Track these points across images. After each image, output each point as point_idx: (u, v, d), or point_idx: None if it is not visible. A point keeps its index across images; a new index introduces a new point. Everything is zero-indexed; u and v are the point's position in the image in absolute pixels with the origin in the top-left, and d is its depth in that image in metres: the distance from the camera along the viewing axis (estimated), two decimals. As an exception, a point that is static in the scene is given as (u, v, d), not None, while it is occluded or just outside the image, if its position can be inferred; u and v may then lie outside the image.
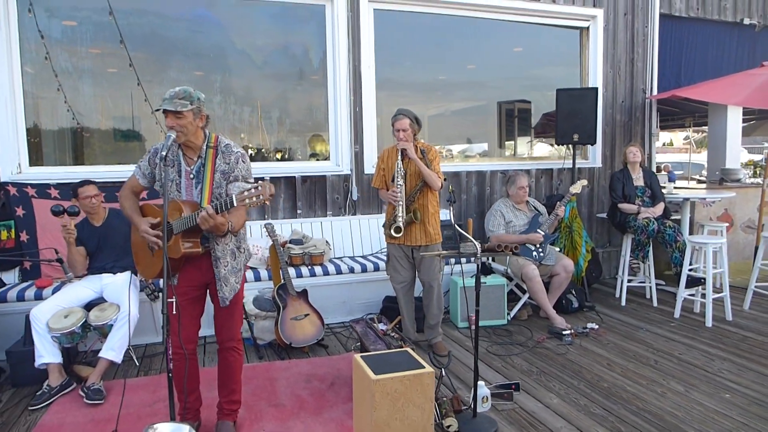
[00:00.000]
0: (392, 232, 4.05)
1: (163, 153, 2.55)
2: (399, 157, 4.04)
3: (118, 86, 5.26)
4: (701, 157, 13.35)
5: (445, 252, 3.23)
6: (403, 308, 4.32)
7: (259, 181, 2.50)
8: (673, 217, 5.73)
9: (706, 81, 6.62)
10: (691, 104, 7.55)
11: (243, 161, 2.78)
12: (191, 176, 2.74)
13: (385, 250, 4.45)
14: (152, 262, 2.85)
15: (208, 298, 2.95)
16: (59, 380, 3.58)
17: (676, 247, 5.21)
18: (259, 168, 5.28)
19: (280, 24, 5.69)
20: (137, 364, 4.13)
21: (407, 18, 5.98)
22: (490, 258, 5.41)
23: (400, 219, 4.02)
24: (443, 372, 3.47)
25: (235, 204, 2.50)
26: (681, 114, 8.55)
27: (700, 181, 10.33)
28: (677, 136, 21.02)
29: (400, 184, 4.02)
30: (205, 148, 2.74)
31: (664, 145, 21.44)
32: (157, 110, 2.65)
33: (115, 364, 3.67)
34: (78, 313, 3.67)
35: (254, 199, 2.47)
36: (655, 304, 5.45)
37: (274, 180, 5.28)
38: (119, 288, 3.79)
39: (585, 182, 5.26)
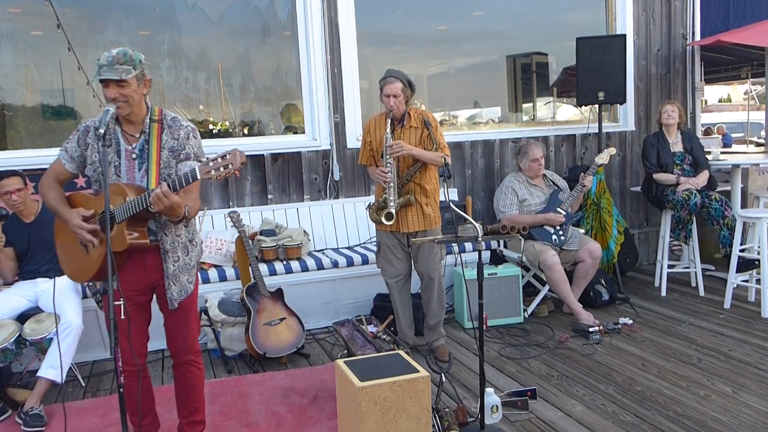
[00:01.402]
0: (383, 219, 4.13)
1: (101, 131, 2.60)
2: (388, 128, 4.12)
3: (45, 52, 5.33)
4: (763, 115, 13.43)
5: (440, 237, 3.36)
6: (397, 307, 4.45)
7: (227, 151, 2.58)
8: (720, 188, 5.86)
9: (761, 21, 6.69)
10: (747, 50, 7.61)
11: (194, 136, 2.88)
12: (133, 156, 2.82)
13: (375, 238, 4.56)
14: (85, 262, 2.89)
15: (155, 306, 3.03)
16: (-9, 406, 3.71)
17: (725, 223, 5.35)
18: (214, 146, 5.25)
19: (238, -31, 5.77)
20: (83, 384, 4.26)
21: (395, -45, 6.07)
22: (502, 244, 5.55)
23: (392, 204, 4.11)
24: (444, 377, 3.62)
25: (198, 176, 2.58)
26: (735, 63, 8.61)
27: (758, 144, 10.46)
28: (737, 90, 20.96)
29: (391, 162, 4.09)
30: (148, 121, 2.83)
31: (720, 101, 21.50)
32: (98, 80, 2.70)
33: (56, 384, 3.78)
34: (10, 327, 3.79)
35: (222, 170, 2.53)
36: (701, 293, 5.61)
37: (238, 159, 5.37)
38: (58, 294, 3.88)
39: (613, 150, 5.38)
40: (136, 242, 2.77)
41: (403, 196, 4.17)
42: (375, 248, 4.95)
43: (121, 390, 2.60)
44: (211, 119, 6.06)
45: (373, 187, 5.79)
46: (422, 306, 4.50)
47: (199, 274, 4.61)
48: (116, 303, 2.55)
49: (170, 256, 2.89)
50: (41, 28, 5.24)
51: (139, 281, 2.90)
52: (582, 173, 5.24)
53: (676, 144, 5.62)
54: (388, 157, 4.08)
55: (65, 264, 3.03)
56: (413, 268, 4.43)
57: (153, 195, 2.61)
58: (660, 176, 5.53)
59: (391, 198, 4.10)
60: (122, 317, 2.59)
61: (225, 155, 2.55)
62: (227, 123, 6.02)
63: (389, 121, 4.12)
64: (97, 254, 2.79)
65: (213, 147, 4.63)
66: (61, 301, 3.87)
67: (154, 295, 3.01)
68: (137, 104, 2.78)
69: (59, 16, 5.12)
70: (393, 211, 4.10)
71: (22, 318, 3.92)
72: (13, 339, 3.73)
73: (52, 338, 3.76)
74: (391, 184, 4.10)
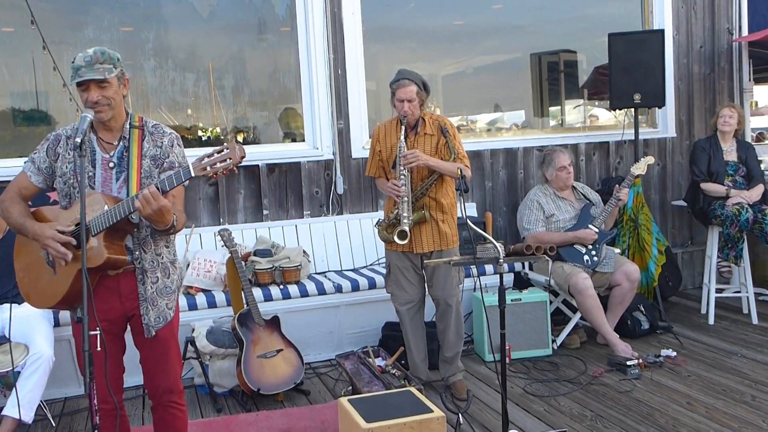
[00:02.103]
0: (396, 238, 4.10)
1: (78, 140, 2.61)
2: (402, 135, 4.10)
3: (17, 51, 5.37)
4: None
5: (456, 258, 3.33)
6: (409, 337, 4.41)
7: (225, 143, 2.61)
8: (775, 203, 5.82)
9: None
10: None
11: (178, 144, 2.92)
12: (110, 165, 2.84)
13: (384, 259, 4.54)
14: (51, 284, 2.85)
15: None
16: (-50, 449, 3.69)
17: (780, 242, 5.31)
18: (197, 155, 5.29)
19: (231, -41, 5.81)
20: (53, 423, 4.23)
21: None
22: (528, 265, 5.50)
23: (406, 221, 4.06)
24: (461, 418, 3.58)
25: (192, 173, 2.58)
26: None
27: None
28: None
29: (405, 174, 4.06)
30: (128, 127, 2.85)
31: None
32: (77, 83, 2.71)
33: (23, 424, 3.76)
34: (-28, 359, 3.79)
35: (219, 165, 2.55)
36: (754, 320, 5.55)
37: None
38: (28, 322, 3.90)
39: (651, 159, 5.35)
40: (115, 257, 2.75)
41: (417, 212, 4.14)
42: (384, 271, 4.93)
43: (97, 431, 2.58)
44: (201, 125, 6.08)
45: (382, 201, 5.79)
46: (437, 336, 4.45)
47: (182, 299, 4.67)
48: (92, 333, 2.53)
49: (148, 276, 2.88)
50: (13, 24, 5.29)
51: (112, 309, 2.87)
52: (617, 185, 5.21)
53: (730, 152, 5.59)
54: (401, 168, 4.05)
55: (27, 288, 2.98)
56: (427, 293, 4.39)
57: (140, 197, 2.60)
58: (708, 186, 5.49)
59: (405, 214, 4.06)
60: (98, 349, 2.58)
61: (222, 149, 2.57)
62: (218, 129, 6.04)
63: (403, 128, 4.11)
64: (67, 274, 2.77)
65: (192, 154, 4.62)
66: (31, 330, 3.87)
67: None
68: (118, 107, 2.82)
69: (33, 12, 5.14)
70: (407, 228, 4.05)
71: (-14, 349, 3.91)
72: (-25, 373, 3.72)
73: (19, 371, 3.75)
74: (405, 199, 4.07)
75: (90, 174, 2.81)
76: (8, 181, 4.39)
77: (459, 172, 3.88)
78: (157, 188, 2.62)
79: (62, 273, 2.80)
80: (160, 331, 2.93)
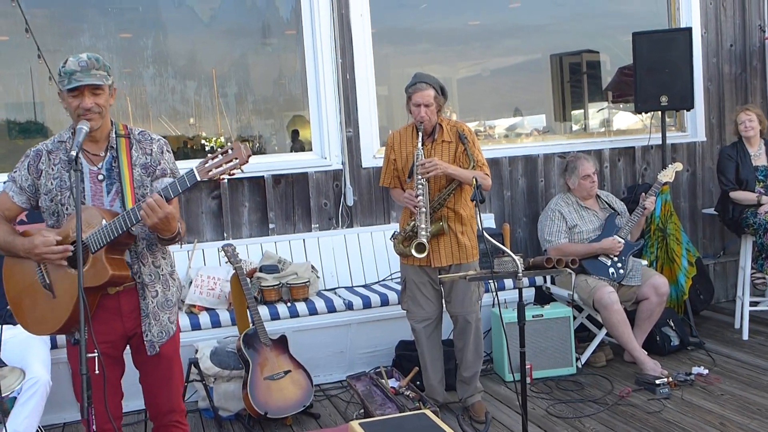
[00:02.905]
0: (413, 251, 4.07)
1: (74, 153, 2.63)
2: (419, 142, 4.06)
3: (11, 61, 5.45)
4: None
5: (471, 273, 3.35)
6: (425, 357, 4.41)
7: (229, 143, 2.66)
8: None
9: None
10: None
11: (168, 150, 2.97)
12: (99, 178, 2.86)
13: (398, 274, 4.54)
14: (52, 309, 2.85)
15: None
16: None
17: (817, 252, 5.29)
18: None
19: (233, -39, 5.88)
20: (51, 450, 4.30)
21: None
22: (550, 279, 5.50)
23: (424, 233, 4.04)
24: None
25: (198, 178, 2.62)
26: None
27: None
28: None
29: (423, 183, 4.03)
30: (114, 137, 2.88)
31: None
32: (72, 88, 2.73)
33: (20, 451, 3.81)
34: (-34, 383, 3.83)
35: (225, 166, 2.59)
36: (792, 335, 5.54)
37: (233, 182, 5.43)
38: (23, 345, 3.93)
39: (680, 166, 5.35)
40: (119, 273, 2.79)
41: (435, 224, 4.13)
42: (399, 286, 4.93)
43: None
44: (204, 134, 6.14)
45: (395, 213, 5.82)
46: (455, 355, 4.46)
47: (185, 318, 4.71)
48: (89, 355, 2.55)
49: (149, 290, 2.91)
50: (7, 32, 5.36)
51: (112, 331, 2.91)
52: (643, 193, 5.21)
53: (758, 157, 5.59)
54: (419, 177, 4.03)
55: (24, 315, 2.96)
56: (445, 309, 4.40)
57: (144, 206, 2.63)
58: (738, 194, 5.49)
59: (423, 226, 4.03)
60: (96, 372, 2.60)
61: (227, 150, 2.61)
62: (222, 138, 6.09)
63: (420, 134, 4.09)
64: (68, 296, 2.77)
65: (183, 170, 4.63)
66: (26, 353, 3.90)
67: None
68: (106, 117, 2.85)
69: (28, 20, 5.20)
70: (425, 241, 4.02)
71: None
72: (-30, 398, 3.76)
73: (15, 397, 3.78)
74: (423, 210, 4.04)
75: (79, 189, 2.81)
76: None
77: (474, 182, 3.85)
78: (160, 195, 2.65)
79: (62, 295, 2.81)
80: (163, 348, 2.96)
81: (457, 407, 4.47)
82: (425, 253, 4.05)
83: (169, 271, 3.03)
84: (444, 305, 4.39)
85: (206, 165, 2.63)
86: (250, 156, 2.62)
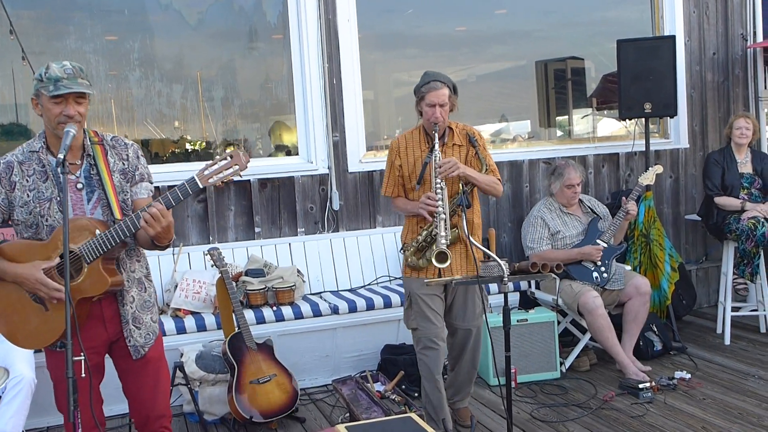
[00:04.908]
0: (434, 261, 3.75)
1: (62, 156, 2.64)
2: (435, 146, 3.81)
3: (-5, 63, 5.44)
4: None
5: (458, 277, 3.37)
6: (436, 380, 4.03)
7: (228, 150, 2.71)
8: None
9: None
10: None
11: (142, 155, 3.00)
12: (78, 186, 2.86)
13: (384, 280, 4.51)
14: (46, 322, 2.82)
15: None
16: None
17: (798, 258, 5.36)
18: (184, 171, 5.11)
19: (220, -35, 5.88)
20: (35, 454, 4.28)
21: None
22: (534, 284, 5.54)
23: (444, 240, 3.73)
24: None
25: (199, 185, 2.66)
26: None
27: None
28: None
29: (442, 187, 3.78)
30: (89, 144, 2.88)
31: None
32: (57, 95, 2.73)
33: (5, 454, 3.80)
34: (-51, 385, 3.81)
35: (225, 172, 2.65)
36: (772, 340, 5.60)
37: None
38: (6, 344, 3.87)
39: (660, 169, 5.39)
40: (115, 279, 2.82)
41: (451, 232, 3.88)
42: (384, 290, 4.97)
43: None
44: (189, 138, 6.13)
45: (380, 217, 5.84)
46: (449, 361, 4.31)
47: (170, 322, 4.70)
48: (76, 359, 2.56)
49: (127, 295, 2.93)
50: (-9, 34, 5.35)
51: (96, 337, 2.91)
52: (624, 197, 5.23)
53: (744, 164, 5.65)
54: (437, 180, 3.77)
55: (12, 331, 2.92)
56: (446, 320, 4.13)
57: (146, 216, 2.65)
58: (722, 200, 5.55)
59: (443, 233, 3.71)
60: (83, 375, 2.60)
61: (227, 156, 2.67)
62: (206, 142, 6.09)
63: (436, 136, 3.83)
64: (62, 306, 2.72)
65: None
66: (9, 352, 3.88)
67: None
68: (82, 126, 2.86)
69: (12, 21, 5.19)
70: (446, 249, 3.71)
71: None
72: (-47, 400, 3.75)
73: (0, 396, 3.77)
74: (442, 216, 3.75)
75: (57, 199, 2.81)
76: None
77: (461, 187, 3.77)
78: (161, 203, 2.68)
79: (56, 307, 2.79)
80: (149, 352, 2.98)
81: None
82: (448, 263, 3.73)
83: (144, 274, 3.05)
84: (445, 316, 4.12)
85: (206, 172, 2.68)
86: (249, 162, 2.68)
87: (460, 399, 4.35)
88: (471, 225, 3.97)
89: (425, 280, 3.82)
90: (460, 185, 3.81)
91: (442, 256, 3.70)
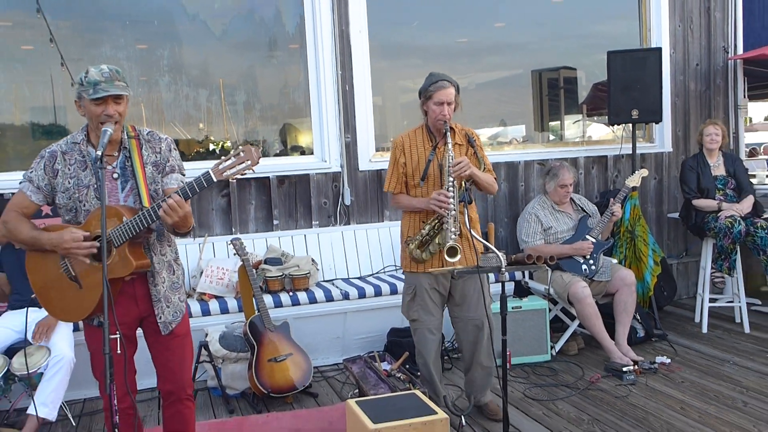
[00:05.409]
0: (446, 256, 3.65)
1: (99, 152, 2.72)
2: (449, 144, 3.75)
3: (36, 68, 5.48)
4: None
5: (459, 267, 3.42)
6: (432, 368, 4.05)
7: (240, 146, 2.74)
8: (766, 215, 5.87)
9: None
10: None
11: (174, 148, 3.05)
12: (114, 176, 2.93)
13: (390, 269, 4.52)
14: (79, 298, 2.90)
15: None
16: (-22, 446, 3.79)
17: (772, 253, 5.38)
18: (207, 169, 5.26)
19: (243, -20, 5.92)
20: (74, 423, 4.32)
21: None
22: (528, 274, 5.59)
23: (454, 236, 3.65)
24: (463, 420, 3.66)
25: (213, 179, 2.70)
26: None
27: (810, 166, 10.46)
28: (783, 107, 20.99)
29: (454, 185, 3.70)
30: (126, 138, 2.94)
31: (766, 119, 21.49)
32: (98, 98, 2.78)
33: (47, 422, 3.88)
34: (-3, 361, 3.89)
35: (238, 167, 2.68)
36: (746, 329, 5.61)
37: (240, 182, 5.50)
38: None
39: (645, 172, 5.44)
40: (140, 262, 2.86)
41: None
42: (390, 279, 5.00)
43: (117, 431, 2.67)
44: (212, 138, 6.19)
45: (388, 212, 5.88)
46: (463, 356, 4.18)
47: (195, 305, 4.77)
48: (112, 337, 2.62)
49: (158, 277, 2.99)
50: (32, 42, 5.40)
51: (129, 313, 2.98)
52: (612, 198, 5.28)
53: (717, 167, 5.67)
54: (450, 178, 3.69)
55: (51, 305, 3.00)
56: (453, 314, 4.09)
57: (165, 207, 2.70)
58: (700, 202, 5.58)
59: (453, 229, 3.64)
60: (119, 352, 2.68)
61: (239, 152, 2.70)
62: (229, 143, 6.15)
63: (447, 135, 3.77)
64: (95, 286, 2.83)
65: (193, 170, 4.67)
66: (53, 333, 3.96)
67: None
68: (121, 122, 2.92)
69: (52, 30, 5.25)
70: (456, 243, 3.63)
71: (11, 351, 4.01)
72: (1, 374, 3.82)
73: (42, 373, 3.85)
74: (453, 212, 3.67)
75: (95, 186, 2.88)
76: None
77: (464, 184, 3.75)
78: (179, 194, 2.72)
79: (89, 285, 2.86)
80: (177, 328, 3.04)
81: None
82: (458, 257, 3.64)
83: (173, 257, 3.10)
84: (451, 310, 4.09)
85: (220, 167, 2.71)
86: (260, 158, 2.70)
87: (483, 395, 4.19)
88: (470, 220, 3.88)
89: (429, 270, 3.81)
90: (463, 183, 3.78)
91: (452, 251, 3.63)
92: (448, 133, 3.78)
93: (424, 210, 3.86)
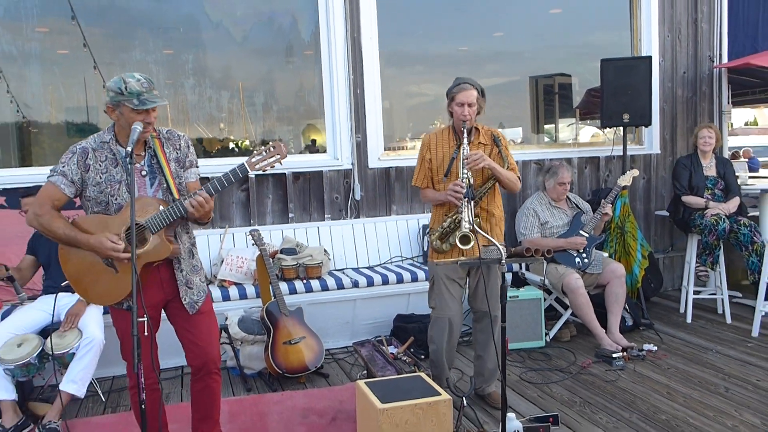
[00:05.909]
0: (458, 242, 3.62)
1: (130, 148, 2.73)
2: (465, 141, 3.71)
3: (71, 71, 5.49)
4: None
5: (463, 259, 3.39)
6: (444, 353, 3.96)
7: (270, 142, 2.87)
8: (750, 214, 5.85)
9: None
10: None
11: (191, 145, 3.09)
12: (143, 173, 2.95)
13: (397, 259, 4.54)
14: (115, 282, 2.90)
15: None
16: (14, 420, 3.79)
17: (753, 249, 5.34)
18: (226, 165, 5.23)
19: (263, -10, 5.91)
20: (103, 399, 4.35)
21: (417, -24, 6.18)
22: (524, 266, 5.56)
23: (468, 225, 3.58)
24: (465, 401, 3.64)
25: (248, 171, 2.81)
26: (762, 86, 8.62)
27: (788, 169, 10.38)
28: (763, 114, 20.91)
29: (467, 177, 3.66)
30: (150, 138, 2.95)
31: (746, 124, 21.40)
32: (145, 108, 2.79)
33: (77, 398, 3.89)
34: (33, 341, 3.89)
35: (269, 160, 2.82)
36: (728, 320, 5.58)
37: (259, 178, 5.50)
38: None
39: (636, 172, 5.40)
40: (175, 247, 2.93)
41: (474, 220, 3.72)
42: (397, 269, 4.98)
43: (143, 407, 2.67)
44: (232, 137, 6.19)
45: (395, 207, 5.87)
46: (475, 346, 4.11)
47: (216, 291, 4.77)
48: (140, 320, 2.64)
49: (182, 263, 3.02)
50: (68, 47, 5.41)
51: (155, 296, 3.00)
52: (603, 199, 5.24)
53: (709, 168, 5.64)
54: (464, 170, 3.67)
55: (85, 290, 2.98)
56: (471, 306, 4.04)
57: (193, 203, 2.79)
58: (689, 199, 5.55)
59: (466, 218, 3.58)
60: (146, 334, 2.70)
61: (269, 147, 2.85)
62: (247, 141, 6.14)
63: (464, 132, 3.73)
64: (130, 269, 2.78)
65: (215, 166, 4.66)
66: (84, 316, 3.96)
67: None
68: None
69: (86, 36, 5.27)
70: (468, 232, 3.57)
71: (44, 333, 4.01)
72: (36, 353, 3.83)
73: (74, 353, 3.86)
74: (466, 203, 3.63)
75: (126, 182, 2.89)
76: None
77: (467, 180, 3.67)
78: (212, 188, 2.82)
79: (124, 270, 2.86)
80: (202, 307, 3.07)
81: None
82: (471, 244, 3.59)
83: (192, 243, 3.13)
84: (470, 302, 4.03)
85: (253, 160, 2.84)
86: (288, 153, 2.82)
87: (489, 385, 4.13)
88: (491, 216, 3.89)
89: (435, 261, 3.80)
90: (487, 179, 3.74)
91: (465, 239, 3.60)
92: (465, 131, 3.73)
93: (447, 204, 3.81)
